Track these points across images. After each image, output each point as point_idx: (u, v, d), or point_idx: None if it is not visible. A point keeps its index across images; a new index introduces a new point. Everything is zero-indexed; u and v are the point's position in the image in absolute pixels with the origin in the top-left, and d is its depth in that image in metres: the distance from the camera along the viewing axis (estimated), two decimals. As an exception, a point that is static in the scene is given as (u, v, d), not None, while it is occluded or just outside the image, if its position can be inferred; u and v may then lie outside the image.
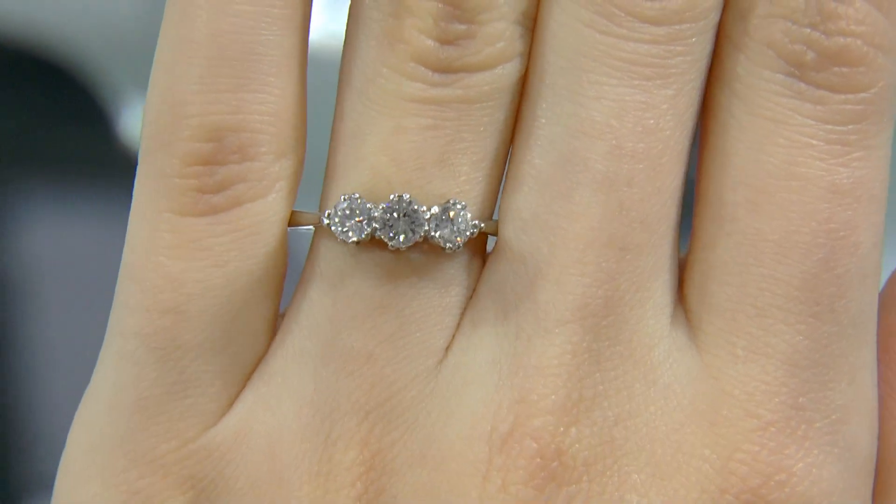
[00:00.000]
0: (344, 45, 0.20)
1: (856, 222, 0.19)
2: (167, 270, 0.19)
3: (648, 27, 0.19)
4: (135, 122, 0.53)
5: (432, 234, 0.19)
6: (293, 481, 0.19)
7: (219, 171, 0.19)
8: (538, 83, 0.19)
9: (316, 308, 0.20)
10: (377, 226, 0.19)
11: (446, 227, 0.19)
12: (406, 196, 0.19)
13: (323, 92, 0.21)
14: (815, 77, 0.19)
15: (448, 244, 0.19)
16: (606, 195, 0.19)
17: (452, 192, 0.19)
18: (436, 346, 0.20)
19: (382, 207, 0.19)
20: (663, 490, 0.19)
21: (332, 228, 0.19)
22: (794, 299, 0.19)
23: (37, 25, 0.53)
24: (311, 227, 0.20)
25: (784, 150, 0.19)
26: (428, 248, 0.19)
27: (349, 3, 0.20)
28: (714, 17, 0.19)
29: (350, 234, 0.19)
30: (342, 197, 0.19)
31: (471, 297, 0.20)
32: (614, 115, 0.19)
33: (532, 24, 0.20)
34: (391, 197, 0.19)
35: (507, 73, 0.19)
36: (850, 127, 0.19)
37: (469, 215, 0.19)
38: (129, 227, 0.20)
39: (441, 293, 0.20)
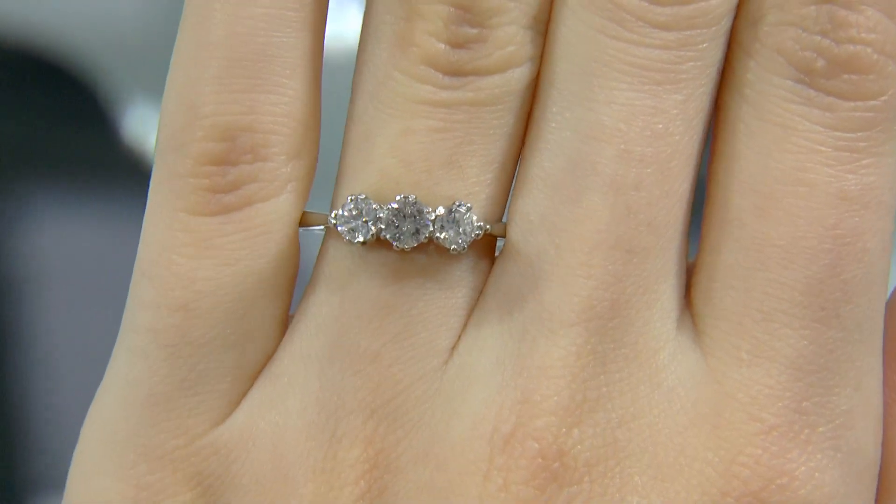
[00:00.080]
0: (358, 49, 0.20)
1: (863, 229, 0.19)
2: (179, 268, 0.20)
3: (659, 32, 0.19)
4: (138, 123, 0.53)
5: (437, 235, 0.19)
6: (297, 478, 0.19)
7: (231, 171, 0.20)
8: (549, 87, 0.20)
9: (323, 308, 0.20)
10: (383, 226, 0.19)
11: (451, 228, 0.19)
12: (412, 197, 0.19)
13: (337, 94, 0.21)
14: (824, 84, 0.19)
15: (453, 245, 0.19)
16: (614, 198, 0.19)
17: (461, 194, 0.19)
18: (441, 347, 0.20)
19: (388, 208, 0.19)
20: (665, 492, 0.19)
21: (339, 229, 0.20)
22: (799, 304, 0.19)
23: (41, 28, 0.53)
24: (322, 227, 0.20)
25: (792, 156, 0.19)
26: (434, 250, 0.20)
27: (364, 7, 0.20)
28: (726, 24, 0.19)
29: (356, 234, 0.19)
30: (349, 198, 0.20)
31: (478, 299, 0.20)
32: (623, 119, 0.19)
33: (543, 29, 0.20)
34: (397, 198, 0.19)
35: (518, 76, 0.20)
36: (859, 134, 0.19)
37: (475, 217, 0.19)
38: (143, 226, 0.20)
39: (447, 294, 0.20)
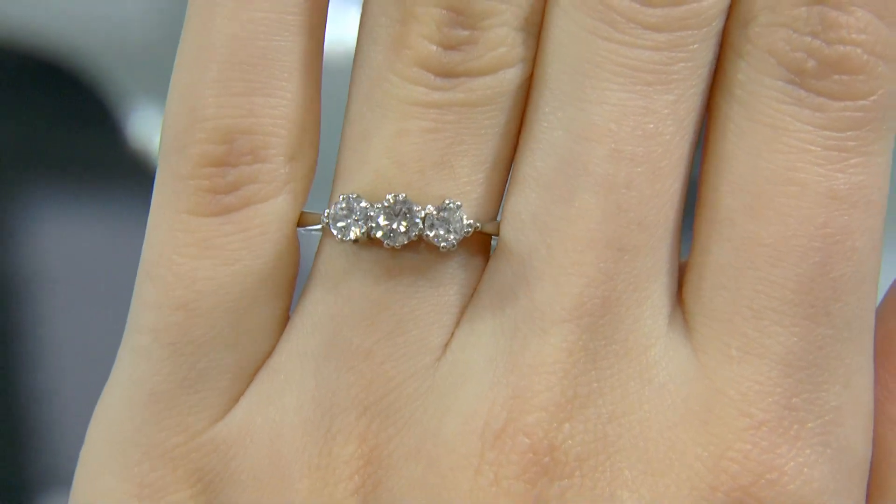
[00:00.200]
0: (354, 52, 0.21)
1: (852, 228, 0.19)
2: (180, 268, 0.20)
3: (650, 34, 0.19)
4: (143, 125, 0.53)
5: (427, 232, 0.20)
6: (293, 474, 0.20)
7: (231, 173, 0.20)
8: (542, 88, 0.20)
9: (319, 306, 0.20)
10: (373, 225, 0.20)
11: (441, 226, 0.20)
12: (402, 196, 0.19)
13: (337, 97, 0.22)
14: (815, 84, 0.19)
15: (443, 243, 0.20)
16: (605, 197, 0.19)
17: (453, 194, 0.20)
18: (434, 344, 0.20)
19: (379, 207, 0.20)
20: (655, 487, 0.19)
21: (331, 227, 0.20)
22: (789, 302, 0.19)
23: (46, 30, 0.53)
24: (319, 227, 0.21)
25: (783, 156, 0.19)
26: (426, 248, 0.20)
27: (361, 11, 0.21)
28: (717, 25, 0.19)
29: (347, 232, 0.20)
30: (341, 197, 0.20)
31: (472, 296, 0.20)
32: (614, 119, 0.19)
33: (535, 31, 0.20)
34: (388, 197, 0.20)
35: (509, 77, 0.20)
36: (848, 133, 0.19)
37: (464, 215, 0.20)
38: (147, 227, 0.21)
39: (439, 292, 0.20)
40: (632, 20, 0.19)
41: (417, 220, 0.20)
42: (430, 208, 0.20)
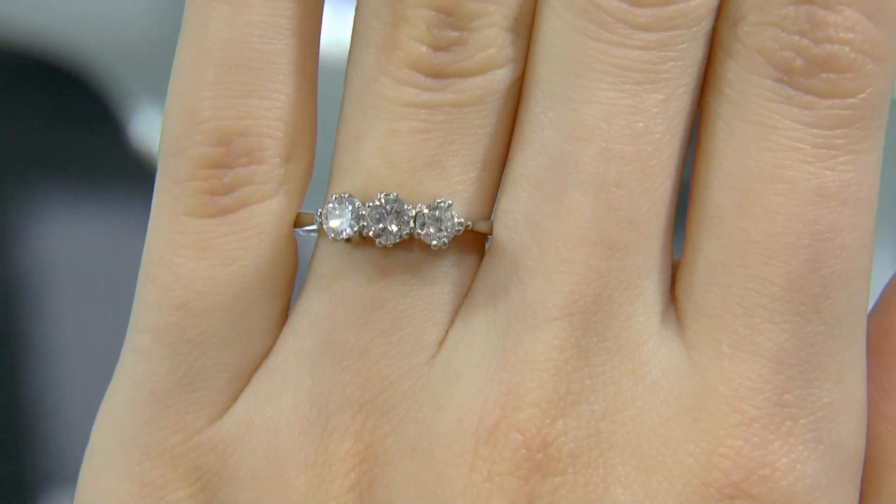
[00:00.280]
0: (348, 54, 0.21)
1: (842, 225, 0.19)
2: (178, 269, 0.20)
3: (639, 33, 0.19)
4: (146, 126, 0.53)
5: (418, 231, 0.20)
6: (290, 471, 0.20)
7: (228, 174, 0.20)
8: (532, 87, 0.20)
9: (314, 305, 0.20)
10: (365, 224, 0.20)
11: (432, 225, 0.20)
12: (393, 195, 0.20)
13: (334, 98, 0.22)
14: (803, 83, 0.19)
15: (434, 241, 0.20)
16: (595, 196, 0.19)
17: (444, 193, 0.20)
18: (428, 342, 0.20)
19: (370, 206, 0.20)
20: (647, 483, 0.19)
21: (324, 227, 0.20)
22: (779, 299, 0.19)
23: (49, 32, 0.54)
24: (315, 227, 0.21)
25: (772, 154, 0.19)
26: (418, 247, 0.20)
27: (354, 14, 0.21)
28: (706, 25, 0.20)
29: (340, 232, 0.20)
30: (333, 196, 0.20)
31: (466, 295, 0.20)
32: (604, 118, 0.19)
33: (525, 31, 0.20)
34: (379, 196, 0.20)
35: (499, 78, 0.20)
36: (837, 131, 0.19)
37: (455, 214, 0.20)
38: (148, 229, 0.21)
39: (432, 290, 0.20)
40: (621, 20, 0.19)
41: (408, 219, 0.20)
42: (422, 207, 0.20)
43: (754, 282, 0.19)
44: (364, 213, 0.20)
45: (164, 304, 0.20)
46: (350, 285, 0.20)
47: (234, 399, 0.21)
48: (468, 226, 0.20)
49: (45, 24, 0.53)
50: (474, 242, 0.20)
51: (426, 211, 0.20)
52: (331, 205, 0.20)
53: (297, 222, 0.21)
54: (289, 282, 0.21)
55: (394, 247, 0.20)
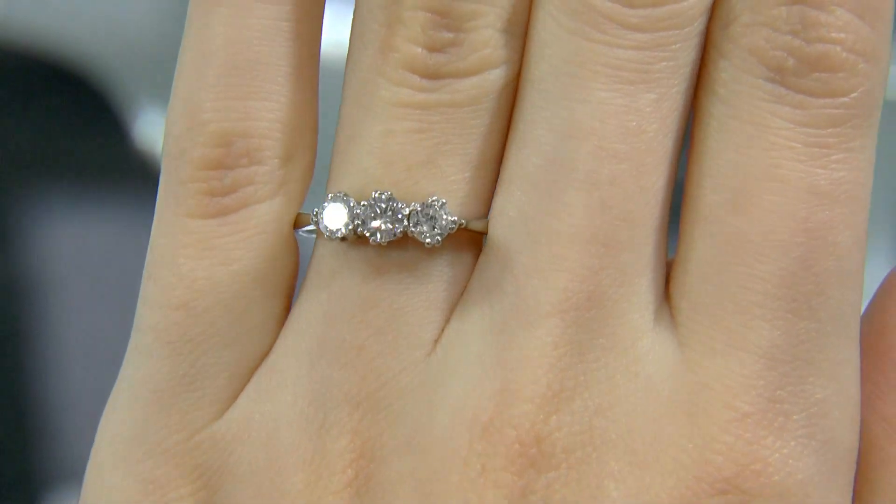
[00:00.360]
0: (346, 56, 0.21)
1: (834, 222, 0.19)
2: (180, 269, 0.20)
3: (632, 34, 0.19)
4: (149, 127, 0.54)
5: (412, 229, 0.20)
6: (289, 468, 0.20)
7: (228, 175, 0.20)
8: (528, 88, 0.20)
9: (313, 304, 0.21)
10: (359, 223, 0.20)
11: (426, 223, 0.20)
12: (387, 193, 0.20)
13: (336, 100, 0.22)
14: (795, 82, 0.19)
15: (427, 239, 0.20)
16: (588, 193, 0.19)
17: (439, 192, 0.20)
18: (424, 339, 0.20)
19: (364, 204, 0.20)
20: (640, 478, 0.19)
21: (319, 226, 0.20)
22: (772, 296, 0.19)
23: (53, 34, 0.54)
24: (314, 228, 0.21)
25: (764, 153, 0.19)
26: (413, 245, 0.20)
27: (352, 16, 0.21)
28: (699, 25, 0.20)
29: (335, 230, 0.20)
30: (329, 195, 0.20)
31: (462, 293, 0.20)
32: (598, 117, 0.19)
33: (520, 32, 0.20)
34: (373, 194, 0.20)
35: (494, 78, 0.20)
36: (829, 130, 0.19)
37: (448, 212, 0.20)
38: (152, 230, 0.21)
39: (428, 288, 0.20)
40: (614, 21, 0.19)
41: (402, 217, 0.20)
42: (415, 205, 0.20)
43: (747, 279, 0.19)
44: (358, 211, 0.20)
45: (165, 303, 0.20)
46: (346, 284, 0.20)
47: (235, 397, 0.21)
48: (462, 224, 0.20)
49: (49, 26, 0.54)
50: (471, 241, 0.21)
51: (420, 209, 0.20)
52: (327, 204, 0.20)
53: (298, 222, 0.21)
54: (289, 281, 0.21)
55: (389, 245, 0.20)
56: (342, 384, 0.20)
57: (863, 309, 0.21)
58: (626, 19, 0.19)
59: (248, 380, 0.21)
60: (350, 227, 0.20)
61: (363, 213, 0.20)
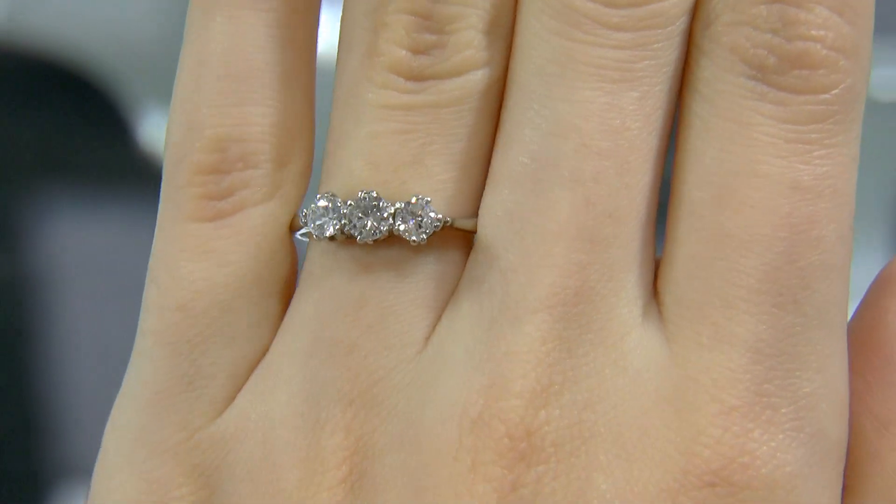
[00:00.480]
0: (335, 63, 0.21)
1: (817, 217, 0.19)
2: (178, 272, 0.21)
3: (614, 33, 0.20)
4: (152, 129, 0.54)
5: (397, 227, 0.20)
6: (284, 465, 0.20)
7: (225, 179, 0.21)
8: (514, 88, 0.20)
9: (306, 303, 0.21)
10: (345, 222, 0.20)
11: (410, 220, 0.20)
12: (373, 193, 0.20)
13: (329, 104, 0.22)
14: (776, 80, 0.19)
15: (412, 237, 0.20)
16: (573, 191, 0.20)
17: (426, 191, 0.20)
18: (415, 337, 0.20)
19: (350, 204, 0.20)
20: (629, 471, 0.19)
21: (308, 226, 0.20)
22: (756, 291, 0.19)
23: (58, 37, 0.54)
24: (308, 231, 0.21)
25: (747, 150, 0.19)
26: (401, 244, 0.20)
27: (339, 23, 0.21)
28: (681, 24, 0.20)
29: (323, 230, 0.20)
30: (317, 196, 0.20)
31: (453, 291, 0.21)
32: (581, 116, 0.20)
33: (503, 33, 0.20)
34: (359, 194, 0.20)
35: (477, 79, 0.20)
36: (810, 126, 0.19)
37: (432, 210, 0.20)
38: (154, 236, 0.21)
39: (417, 287, 0.20)
40: (596, 21, 0.19)
41: (387, 216, 0.20)
42: (399, 204, 0.20)
43: (732, 274, 0.19)
44: (345, 211, 0.20)
45: (165, 305, 0.21)
46: (337, 283, 0.20)
47: (234, 397, 0.21)
48: (447, 222, 0.20)
49: (53, 27, 0.54)
50: (460, 240, 0.21)
51: (404, 207, 0.20)
52: (314, 205, 0.20)
53: (294, 225, 0.21)
54: (287, 282, 0.21)
55: (377, 244, 0.20)
56: (335, 382, 0.20)
57: (852, 305, 0.21)
58: (607, 19, 0.19)
59: (247, 379, 0.21)
60: (337, 227, 0.20)
61: (349, 213, 0.20)
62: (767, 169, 0.19)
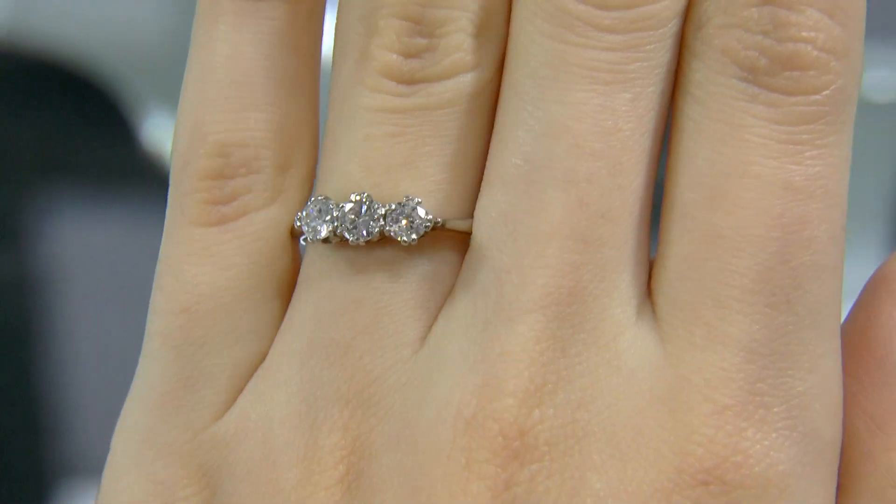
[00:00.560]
0: (331, 69, 0.22)
1: (809, 217, 0.19)
2: (183, 275, 0.21)
3: (606, 35, 0.20)
4: (157, 130, 0.54)
5: (388, 228, 0.20)
6: (283, 465, 0.20)
7: (228, 184, 0.21)
8: (508, 91, 0.20)
9: (304, 305, 0.21)
10: (338, 224, 0.20)
11: (401, 221, 0.20)
12: (364, 194, 0.20)
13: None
14: (768, 81, 0.19)
15: (403, 238, 0.20)
16: (565, 192, 0.20)
17: (420, 193, 0.20)
18: (411, 338, 0.20)
19: (342, 206, 0.20)
20: (622, 470, 0.19)
21: (303, 229, 0.21)
22: (749, 291, 0.19)
23: (61, 38, 0.54)
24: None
25: (739, 151, 0.19)
26: (394, 245, 0.20)
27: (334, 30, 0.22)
28: (673, 27, 0.20)
29: (317, 232, 0.21)
30: (311, 199, 0.21)
31: (449, 292, 0.21)
32: (574, 117, 0.20)
33: (494, 36, 0.21)
34: (352, 196, 0.20)
35: (468, 81, 0.20)
36: (802, 127, 0.19)
37: (423, 211, 0.20)
38: (161, 242, 0.22)
39: (411, 287, 0.20)
40: (588, 23, 0.20)
41: (378, 217, 0.20)
42: (391, 205, 0.20)
43: (725, 275, 0.20)
44: (337, 213, 0.20)
45: (170, 308, 0.21)
46: (332, 285, 0.21)
47: (235, 398, 0.21)
48: (438, 223, 0.20)
49: (56, 28, 0.54)
50: (454, 241, 0.21)
51: (395, 208, 0.20)
52: (308, 208, 0.21)
53: (295, 229, 0.22)
54: (288, 285, 0.22)
55: (370, 246, 0.20)
56: (332, 382, 0.20)
57: (847, 305, 0.21)
58: (599, 21, 0.20)
59: (248, 381, 0.21)
60: (330, 229, 0.20)
61: (342, 215, 0.20)
62: (759, 170, 0.20)
